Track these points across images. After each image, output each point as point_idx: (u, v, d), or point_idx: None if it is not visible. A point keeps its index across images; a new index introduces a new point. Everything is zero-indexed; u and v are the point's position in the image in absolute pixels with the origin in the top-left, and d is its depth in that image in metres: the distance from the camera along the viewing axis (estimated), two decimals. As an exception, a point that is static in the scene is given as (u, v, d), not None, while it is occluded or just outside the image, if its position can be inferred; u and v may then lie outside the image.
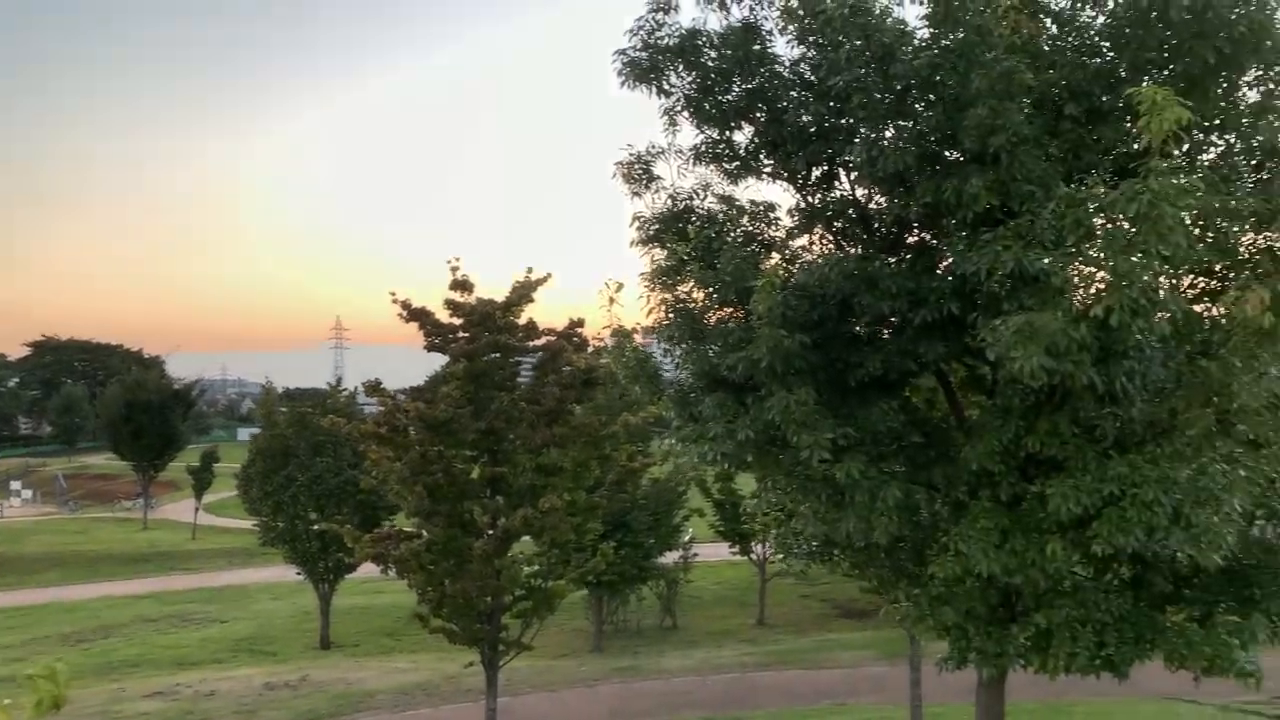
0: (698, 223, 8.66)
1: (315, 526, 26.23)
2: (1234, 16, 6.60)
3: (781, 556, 11.28)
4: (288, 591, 35.89)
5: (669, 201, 8.85)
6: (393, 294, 13.87)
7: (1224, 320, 7.17)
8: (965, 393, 8.86)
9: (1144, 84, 7.32)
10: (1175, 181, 5.90)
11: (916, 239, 8.25)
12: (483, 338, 13.24)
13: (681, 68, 8.10)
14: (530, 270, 14.03)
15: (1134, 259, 5.99)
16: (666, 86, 8.18)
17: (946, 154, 7.39)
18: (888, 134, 7.57)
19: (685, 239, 8.18)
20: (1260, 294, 6.66)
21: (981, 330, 6.53)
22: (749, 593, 29.93)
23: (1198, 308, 8.13)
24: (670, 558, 27.60)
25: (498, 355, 13.43)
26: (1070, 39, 7.62)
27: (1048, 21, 7.71)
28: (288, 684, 21.99)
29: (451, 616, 13.12)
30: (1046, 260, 6.33)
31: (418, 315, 13.72)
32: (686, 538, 28.14)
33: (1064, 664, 7.81)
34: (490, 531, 13.20)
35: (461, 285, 13.54)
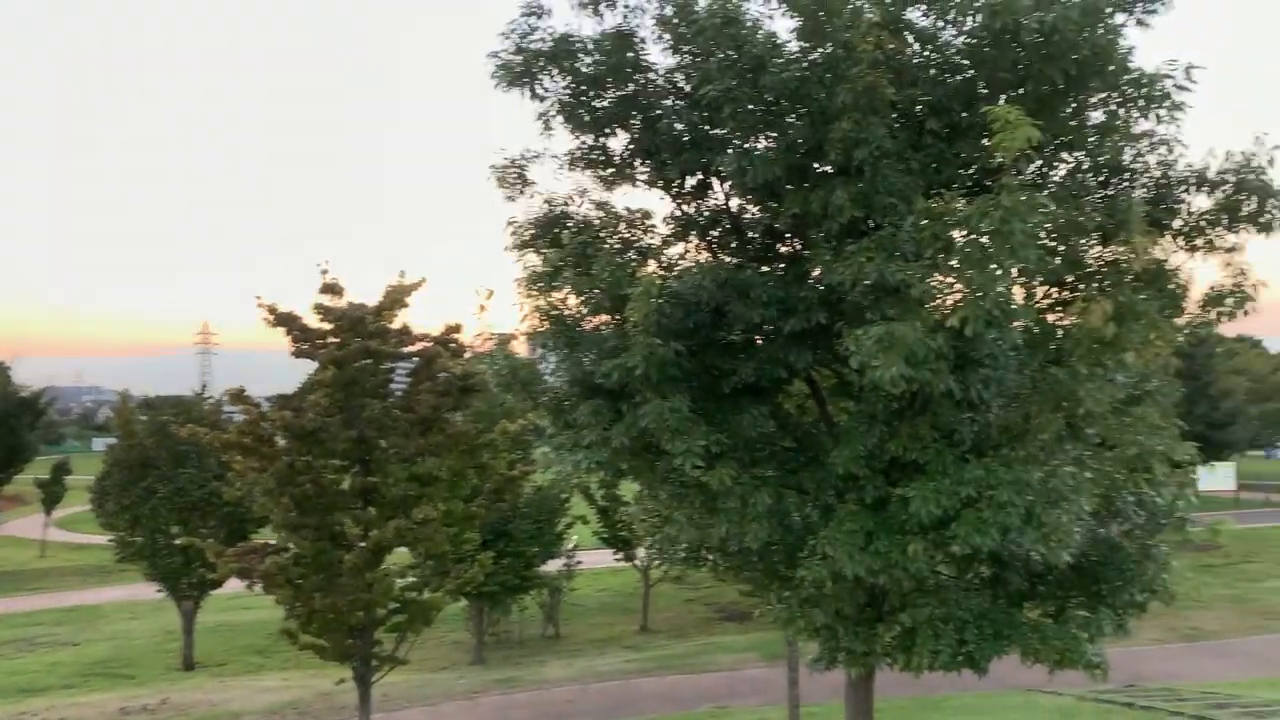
0: (573, 228, 8.66)
1: (177, 541, 25.00)
2: (1079, 40, 7.00)
3: (657, 563, 11.37)
4: (148, 610, 34.09)
5: (545, 207, 8.83)
6: (258, 298, 13.39)
7: (1073, 330, 7.59)
8: (835, 399, 9.11)
9: (1000, 102, 7.73)
10: (1026, 198, 6.22)
11: (788, 249, 8.45)
12: (353, 343, 12.90)
13: (555, 73, 8.08)
14: (403, 274, 13.76)
15: (988, 272, 6.29)
16: (540, 91, 8.15)
17: (815, 166, 7.60)
18: (759, 145, 7.74)
19: (559, 245, 8.14)
20: (1103, 305, 7.10)
21: (846, 339, 6.73)
22: (633, 599, 30.07)
23: (1051, 317, 8.63)
24: (553, 566, 27.49)
25: (369, 361, 13.11)
26: (932, 57, 7.93)
27: (910, 39, 8.02)
28: (146, 708, 20.90)
29: (321, 632, 12.73)
30: (906, 272, 6.58)
31: (284, 320, 13.29)
32: (570, 545, 28.10)
33: (927, 662, 8.13)
34: (362, 544, 12.86)
35: (331, 289, 13.18)
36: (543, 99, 8.16)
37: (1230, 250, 9.14)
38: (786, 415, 9.24)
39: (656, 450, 7.56)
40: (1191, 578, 17.95)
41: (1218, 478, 45.56)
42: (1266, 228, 8.89)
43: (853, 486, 7.89)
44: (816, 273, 7.79)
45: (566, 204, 8.77)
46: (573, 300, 8.14)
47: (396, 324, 13.43)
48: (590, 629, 28.95)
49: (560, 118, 8.25)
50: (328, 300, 13.20)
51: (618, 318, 7.85)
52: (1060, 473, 7.19)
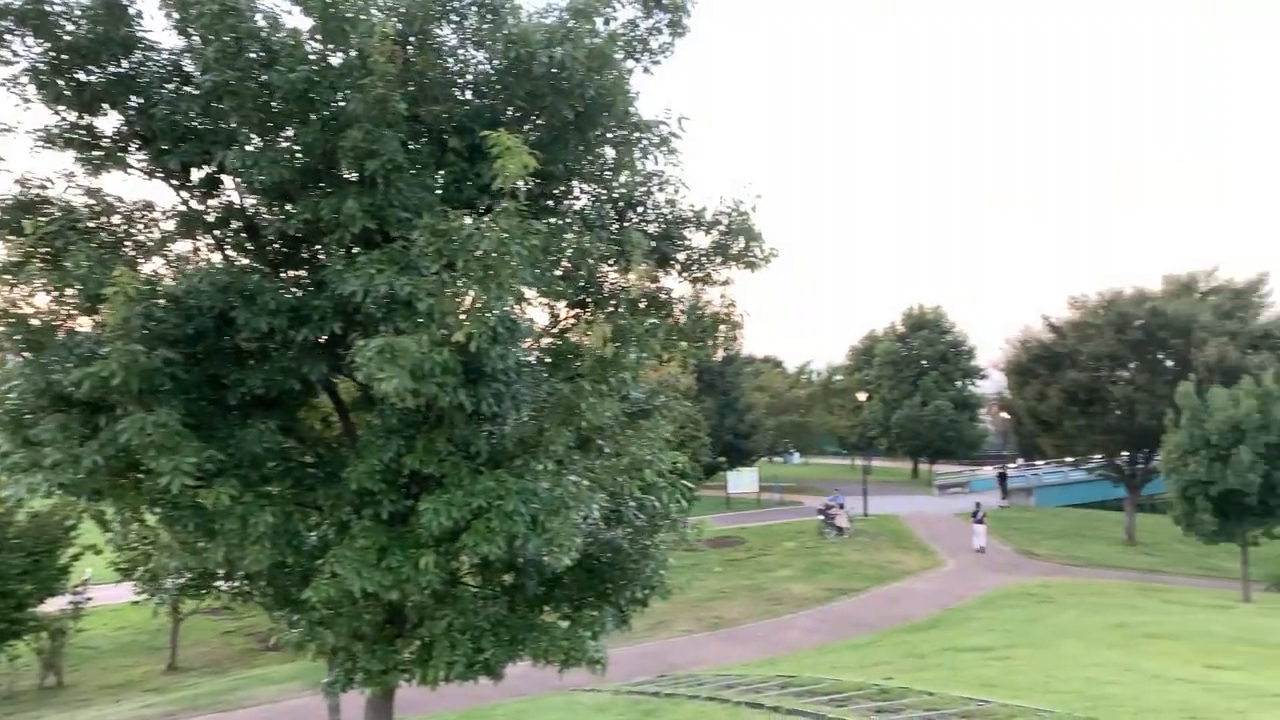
0: (54, 214, 7.70)
1: None
2: (586, 79, 7.73)
3: (145, 595, 10.43)
4: None
5: (17, 188, 7.75)
6: None
7: (582, 349, 8.33)
8: (360, 413, 9.08)
9: (524, 128, 8.26)
10: (520, 222, 6.72)
11: (308, 254, 8.27)
12: None
13: (30, 35, 7.15)
14: None
15: (491, 290, 6.68)
16: (7, 54, 7.15)
17: (332, 172, 7.54)
18: (277, 144, 7.51)
19: (22, 232, 7.19)
20: (604, 328, 7.89)
21: (351, 351, 6.75)
22: (160, 635, 27.28)
23: (574, 337, 9.38)
24: (57, 605, 24.03)
25: None
26: (458, 77, 8.27)
27: (440, 56, 8.28)
28: None
29: None
30: (414, 286, 6.77)
31: None
32: (83, 579, 24.78)
33: (444, 673, 8.40)
34: None
35: None
36: (9, 63, 7.17)
37: (724, 284, 10.65)
38: (308, 429, 9.04)
39: (144, 469, 6.97)
40: (702, 574, 20.73)
41: (744, 481, 52.68)
42: (752, 265, 10.44)
43: (370, 502, 7.92)
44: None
45: (45, 186, 7.78)
46: (43, 298, 7.25)
47: None
48: (104, 674, 25.72)
49: (34, 88, 7.31)
50: None
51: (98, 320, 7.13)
52: (565, 482, 7.84)
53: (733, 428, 46.33)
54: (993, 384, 68.17)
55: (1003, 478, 56.93)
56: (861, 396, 59.21)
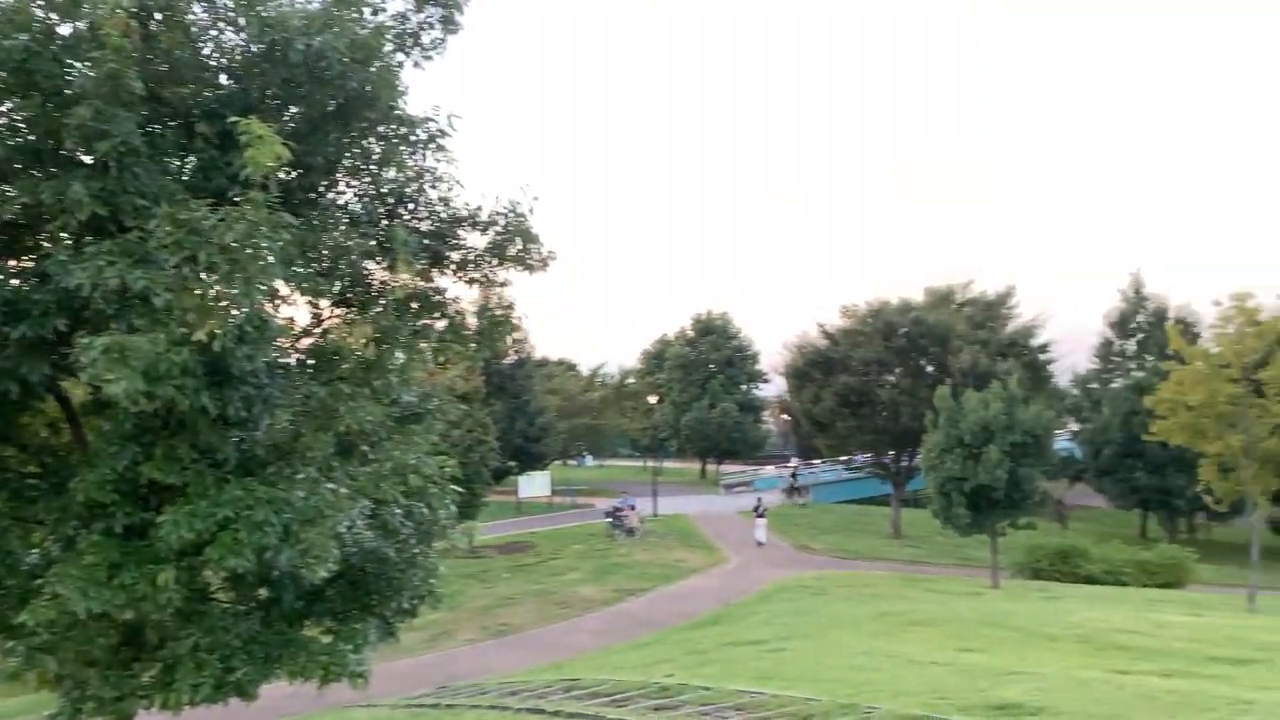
0: None
1: None
2: (348, 70, 7.48)
3: None
4: None
5: None
6: None
7: (342, 350, 8.06)
8: (91, 418, 8.38)
9: (282, 117, 7.89)
10: (270, 215, 6.42)
11: (31, 243, 7.55)
12: None
13: None
14: None
15: (238, 286, 6.34)
16: None
17: (61, 153, 6.92)
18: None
19: None
20: (365, 328, 7.67)
21: (75, 350, 6.23)
22: None
23: (337, 337, 9.04)
24: None
25: None
26: (210, 58, 7.80)
27: (190, 34, 7.78)
28: None
29: None
30: (150, 279, 6.32)
31: None
32: None
33: (189, 696, 7.89)
34: None
35: None
36: None
37: (501, 285, 10.61)
38: (32, 436, 8.26)
39: None
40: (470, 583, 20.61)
41: (536, 485, 52.68)
42: (529, 267, 10.45)
43: (101, 515, 7.32)
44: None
45: None
46: None
47: None
48: None
49: None
50: None
51: None
52: (322, 490, 7.55)
53: (523, 431, 46.25)
54: (774, 387, 71.72)
55: (795, 477, 60.11)
56: (652, 399, 60.68)
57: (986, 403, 30.45)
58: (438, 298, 9.73)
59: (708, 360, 75.87)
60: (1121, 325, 56.76)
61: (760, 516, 42.37)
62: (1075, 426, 58.89)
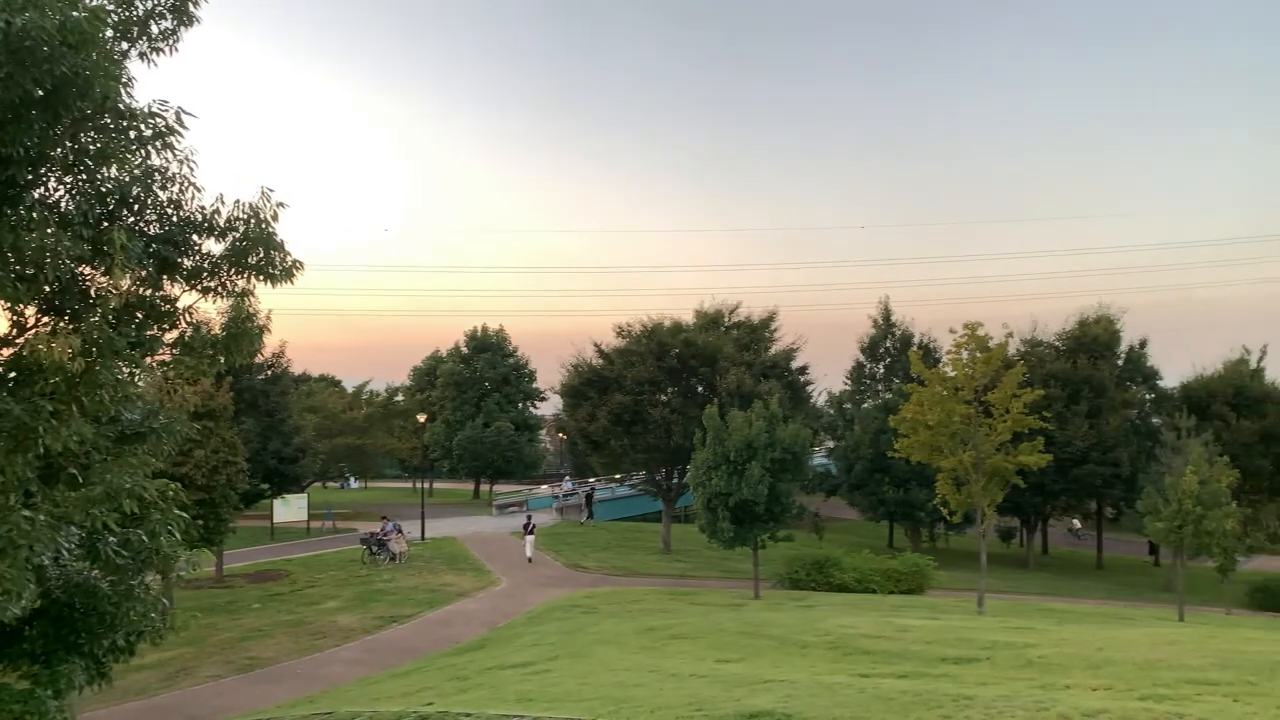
0: None
1: None
2: (56, 54, 6.86)
3: None
4: None
5: None
6: None
7: (42, 362, 7.32)
8: None
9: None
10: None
11: None
12: None
13: None
14: None
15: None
16: None
17: None
18: None
19: None
20: (74, 339, 7.02)
21: None
22: None
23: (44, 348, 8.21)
24: None
25: None
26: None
27: None
28: None
29: None
30: None
31: None
32: None
33: None
34: None
35: None
36: None
37: (242, 294, 10.02)
38: None
39: None
40: (200, 616, 19.13)
41: (292, 509, 50.14)
42: (273, 277, 9.94)
43: None
44: None
45: None
46: None
47: None
48: None
49: None
50: None
51: None
52: (15, 518, 6.83)
53: (278, 451, 43.84)
54: (551, 406, 72.02)
55: (589, 498, 60.51)
56: (422, 418, 59.28)
57: (750, 421, 31.91)
58: (167, 307, 9.10)
59: (483, 378, 75.14)
60: (872, 350, 61.23)
61: (529, 534, 43.36)
62: (831, 444, 62.85)
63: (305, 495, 52.14)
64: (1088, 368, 53.31)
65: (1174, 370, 61.76)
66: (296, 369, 57.20)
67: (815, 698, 14.45)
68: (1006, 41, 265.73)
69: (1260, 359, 55.62)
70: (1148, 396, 58.57)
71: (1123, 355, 57.54)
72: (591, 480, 67.95)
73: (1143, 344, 58.53)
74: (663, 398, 47.48)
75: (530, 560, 41.93)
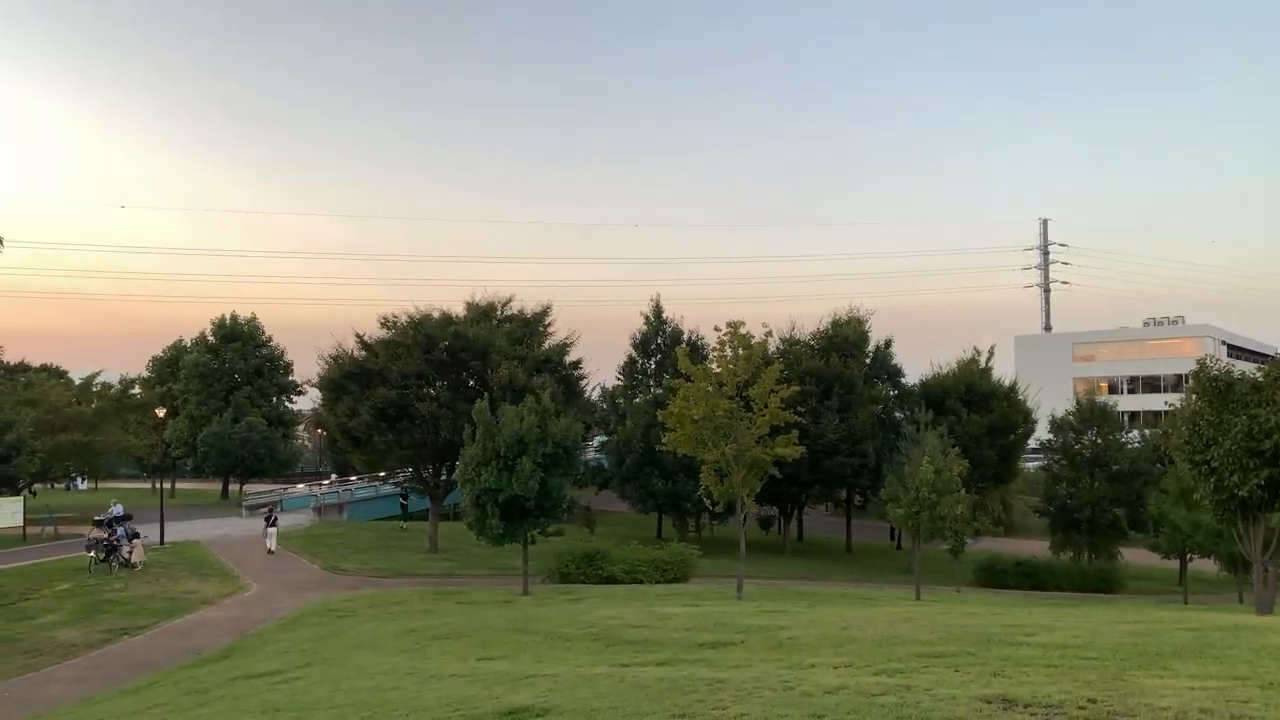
0: None
1: None
2: None
3: None
4: None
5: None
6: None
7: None
8: None
9: None
10: None
11: None
12: None
13: None
14: None
15: None
16: None
17: None
18: None
19: None
20: None
21: None
22: None
23: None
24: None
25: None
26: None
27: None
28: None
29: None
30: None
31: None
32: None
33: None
34: None
35: None
36: None
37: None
38: None
39: None
40: None
41: (4, 514, 45.26)
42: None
43: None
44: None
45: None
46: None
47: None
48: None
49: None
50: None
51: None
52: None
53: (-9, 449, 39.49)
54: (310, 400, 68.96)
55: (404, 503, 58.34)
56: (161, 412, 55.10)
57: (521, 416, 31.92)
58: None
59: (233, 369, 70.89)
60: (644, 346, 62.85)
61: (272, 526, 43.76)
62: (603, 438, 64.01)
63: (19, 498, 47.18)
64: (839, 366, 57.08)
65: (915, 369, 67.52)
66: (11, 357, 51.56)
67: (575, 690, 14.65)
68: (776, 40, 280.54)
69: (988, 359, 61.60)
70: (892, 393, 63.50)
71: (871, 354, 62.02)
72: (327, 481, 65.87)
73: (888, 344, 63.44)
74: (431, 392, 46.61)
75: (271, 552, 42.29)
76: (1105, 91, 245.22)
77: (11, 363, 52.16)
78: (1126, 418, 62.22)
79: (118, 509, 39.69)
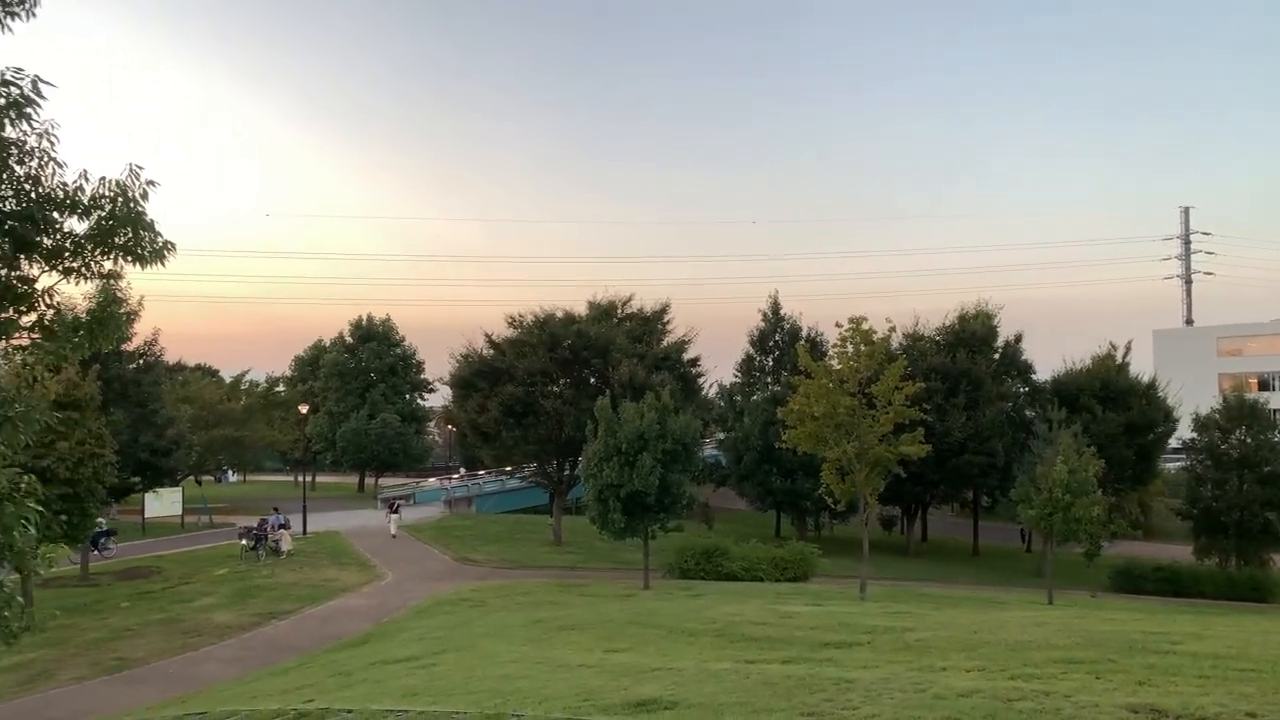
0: None
1: None
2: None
3: None
4: None
5: None
6: None
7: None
8: None
9: None
10: None
11: None
12: None
13: None
14: None
15: None
16: None
17: None
18: None
19: None
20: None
21: None
22: None
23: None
24: None
25: None
26: None
27: None
28: None
29: None
30: None
31: None
32: None
33: None
34: None
35: None
36: None
37: (109, 277, 9.58)
38: None
39: None
40: (59, 614, 18.19)
41: (165, 504, 48.17)
42: (141, 259, 9.52)
43: None
44: None
45: None
46: None
47: None
48: None
49: None
50: None
51: None
52: None
53: (150, 444, 41.97)
54: (440, 397, 71.05)
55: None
56: (304, 409, 57.68)
57: (642, 413, 32.11)
58: (24, 288, 8.63)
59: (368, 368, 73.58)
60: (761, 343, 62.37)
61: (394, 512, 46.67)
62: (721, 435, 63.81)
63: (180, 489, 50.17)
64: (966, 362, 55.41)
65: (1046, 365, 64.85)
66: (170, 357, 54.86)
67: (701, 684, 14.67)
68: (884, 41, 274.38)
69: (1125, 354, 58.70)
70: (1022, 389, 61.20)
71: (999, 350, 59.96)
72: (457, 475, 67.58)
73: (1018, 339, 61.12)
74: (555, 389, 47.35)
75: (394, 536, 45.17)
76: (1245, 74, 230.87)
77: (170, 363, 55.47)
78: (1278, 416, 58.30)
79: (278, 518, 41.82)
